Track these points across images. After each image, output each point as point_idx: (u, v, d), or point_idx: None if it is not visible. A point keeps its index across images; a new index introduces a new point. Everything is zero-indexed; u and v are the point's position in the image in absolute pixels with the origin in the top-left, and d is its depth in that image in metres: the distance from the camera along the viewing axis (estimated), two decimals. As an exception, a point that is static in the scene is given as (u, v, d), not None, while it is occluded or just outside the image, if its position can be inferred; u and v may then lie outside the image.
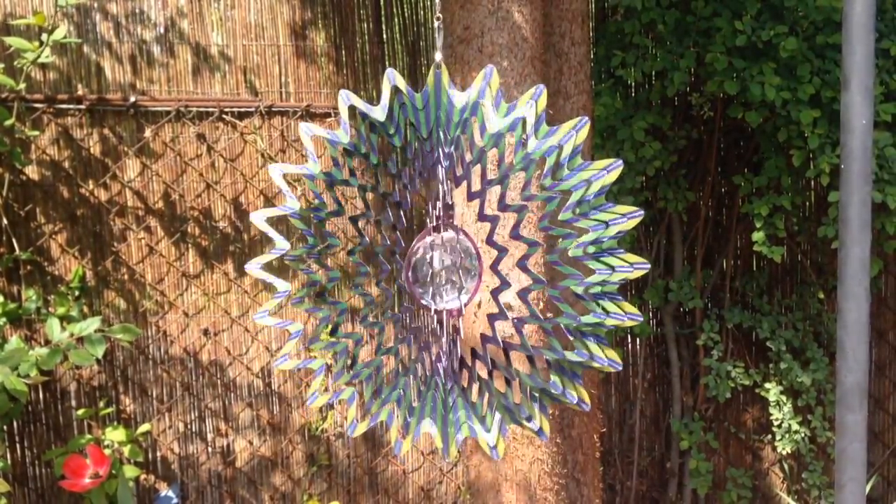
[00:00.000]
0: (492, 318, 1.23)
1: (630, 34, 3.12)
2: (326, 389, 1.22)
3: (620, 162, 1.14)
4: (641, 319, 1.17)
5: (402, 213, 1.25)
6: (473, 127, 1.18)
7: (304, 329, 1.23)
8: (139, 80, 2.88)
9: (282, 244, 1.17)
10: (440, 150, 1.20)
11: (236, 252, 2.98)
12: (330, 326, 1.24)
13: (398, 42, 3.14)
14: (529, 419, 1.21)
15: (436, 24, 1.21)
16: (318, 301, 1.24)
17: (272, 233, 1.16)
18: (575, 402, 1.19)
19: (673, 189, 3.33)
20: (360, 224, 1.38)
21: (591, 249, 1.16)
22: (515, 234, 1.19)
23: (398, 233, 1.25)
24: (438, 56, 1.18)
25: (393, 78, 1.15)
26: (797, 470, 3.54)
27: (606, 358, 1.17)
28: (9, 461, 2.80)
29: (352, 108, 1.16)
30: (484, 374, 1.23)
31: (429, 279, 1.21)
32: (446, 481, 3.22)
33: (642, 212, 1.16)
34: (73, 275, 2.80)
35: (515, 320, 1.22)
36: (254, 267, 1.18)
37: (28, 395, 2.59)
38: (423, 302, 1.22)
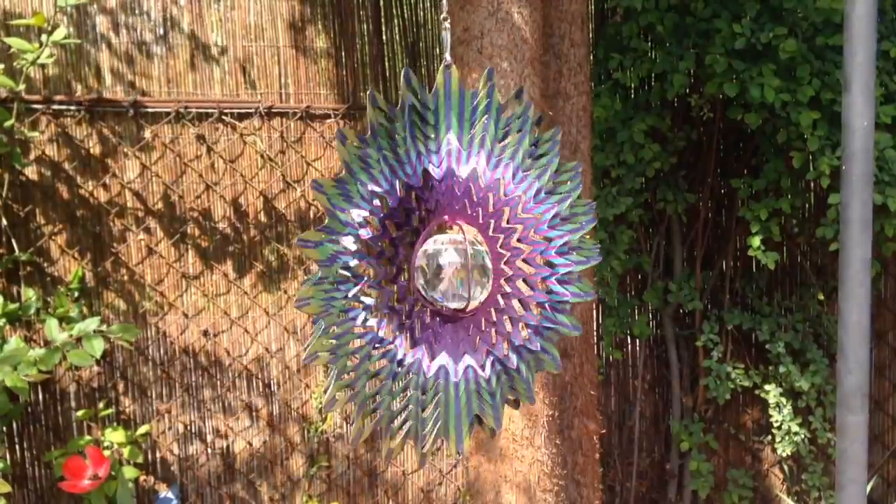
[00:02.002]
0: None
1: (629, 37, 3.12)
2: (326, 391, 1.21)
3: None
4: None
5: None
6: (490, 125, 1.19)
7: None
8: (139, 80, 2.88)
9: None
10: (446, 149, 1.19)
11: (236, 253, 2.98)
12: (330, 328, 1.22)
13: (398, 43, 3.14)
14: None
15: (444, 24, 1.20)
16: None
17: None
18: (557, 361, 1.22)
19: (672, 190, 3.33)
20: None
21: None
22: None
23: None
24: (448, 58, 1.17)
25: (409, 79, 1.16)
26: (797, 471, 3.54)
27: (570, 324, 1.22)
28: (8, 462, 2.80)
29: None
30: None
31: (440, 279, 1.20)
32: (446, 483, 3.22)
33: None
34: (73, 276, 2.80)
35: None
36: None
37: (28, 395, 2.59)
38: (434, 301, 1.20)
